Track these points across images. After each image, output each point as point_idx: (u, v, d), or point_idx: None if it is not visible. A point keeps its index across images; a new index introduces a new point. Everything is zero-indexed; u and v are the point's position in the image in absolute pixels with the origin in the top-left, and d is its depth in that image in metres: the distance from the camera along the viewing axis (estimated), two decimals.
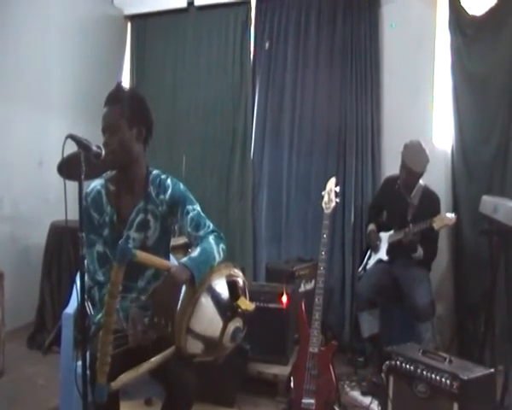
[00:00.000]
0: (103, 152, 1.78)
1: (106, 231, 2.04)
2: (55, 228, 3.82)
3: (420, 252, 3.34)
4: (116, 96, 2.00)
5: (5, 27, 3.94)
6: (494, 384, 2.35)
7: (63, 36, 4.47)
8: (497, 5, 3.67)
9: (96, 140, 1.83)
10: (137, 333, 1.79)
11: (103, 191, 2.06)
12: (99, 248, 2.03)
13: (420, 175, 3.40)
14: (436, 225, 3.14)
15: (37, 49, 4.22)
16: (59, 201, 1.82)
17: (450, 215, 3.17)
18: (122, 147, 1.96)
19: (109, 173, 2.11)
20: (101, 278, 2.00)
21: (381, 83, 4.18)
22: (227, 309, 1.81)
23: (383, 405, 2.54)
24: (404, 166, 3.41)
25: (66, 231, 3.57)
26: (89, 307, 2.00)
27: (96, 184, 2.08)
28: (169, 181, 2.08)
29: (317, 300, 2.71)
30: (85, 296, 1.70)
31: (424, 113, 4.05)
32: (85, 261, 1.96)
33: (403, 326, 3.41)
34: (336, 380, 2.66)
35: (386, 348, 2.55)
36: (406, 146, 3.40)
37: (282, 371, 3.11)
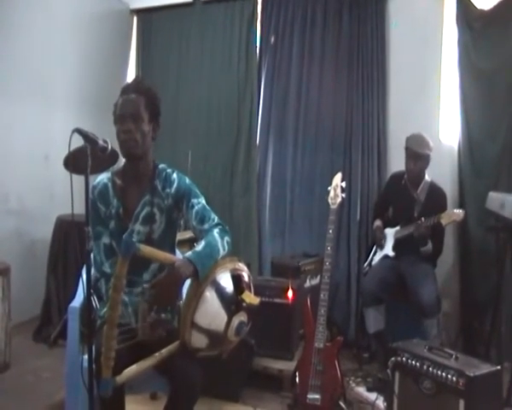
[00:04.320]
0: (109, 146, 1.78)
1: (112, 224, 2.05)
2: (60, 222, 3.83)
3: (429, 246, 3.32)
4: (139, 87, 2.03)
5: (11, 22, 3.94)
6: (500, 382, 2.33)
7: (69, 30, 4.46)
8: None
9: (102, 134, 1.83)
10: (146, 326, 1.79)
11: (110, 185, 2.07)
12: (105, 240, 2.05)
13: (426, 159, 3.38)
14: (444, 221, 3.13)
15: (43, 44, 4.22)
16: (65, 195, 1.82)
17: (458, 211, 3.15)
18: (142, 137, 1.98)
19: (116, 167, 2.13)
20: (107, 269, 2.01)
21: (388, 78, 4.15)
22: (232, 303, 1.80)
23: (389, 401, 2.53)
24: (409, 155, 3.42)
25: (72, 225, 3.58)
26: (94, 300, 2.00)
27: (102, 177, 2.10)
28: (175, 175, 2.10)
29: (322, 295, 2.70)
30: (91, 290, 1.70)
31: (431, 108, 4.03)
32: (92, 253, 1.97)
33: (408, 322, 3.40)
34: (342, 376, 2.66)
35: (391, 345, 2.54)
36: (408, 138, 3.45)
37: (287, 366, 3.12)
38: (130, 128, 1.95)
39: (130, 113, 1.97)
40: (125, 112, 1.97)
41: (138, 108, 1.98)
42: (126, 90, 2.02)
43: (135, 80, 2.15)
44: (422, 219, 3.26)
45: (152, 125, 2.04)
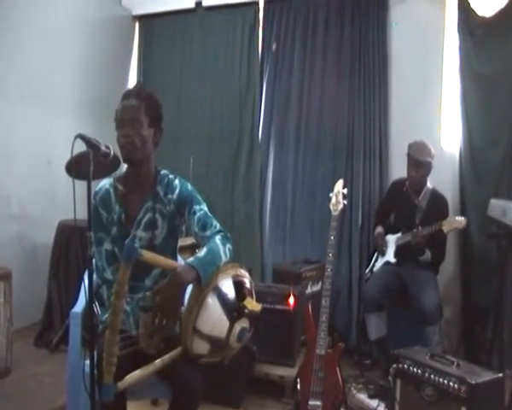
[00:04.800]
0: (112, 152, 1.79)
1: (114, 230, 2.05)
2: (62, 227, 3.83)
3: (427, 255, 3.32)
4: (140, 93, 2.02)
5: (13, 27, 3.96)
6: (502, 389, 2.32)
7: (71, 36, 4.49)
8: (507, 6, 3.64)
9: (104, 139, 1.84)
10: (147, 335, 1.78)
11: (112, 190, 2.07)
12: (107, 246, 2.05)
13: (428, 167, 3.39)
14: (446, 228, 3.13)
15: (45, 49, 4.24)
16: (67, 200, 1.83)
17: (460, 218, 3.16)
18: (141, 142, 1.98)
19: (118, 173, 2.13)
20: (109, 276, 2.01)
21: (389, 85, 4.16)
22: (233, 310, 1.80)
23: (390, 408, 2.53)
24: (411, 162, 3.43)
25: (74, 230, 3.58)
26: (96, 306, 2.00)
27: (104, 183, 2.10)
28: (177, 181, 2.10)
29: (324, 302, 2.70)
30: (93, 295, 1.70)
31: (432, 115, 4.03)
32: (94, 260, 1.97)
33: (410, 329, 3.39)
34: (343, 382, 2.64)
35: (393, 351, 2.54)
36: (410, 145, 3.45)
37: (288, 372, 3.11)
38: (129, 132, 1.96)
39: (130, 117, 1.97)
40: (125, 116, 1.98)
41: (138, 112, 1.98)
42: (127, 95, 2.03)
43: (136, 86, 2.15)
44: (419, 228, 3.26)
45: (153, 131, 2.04)
